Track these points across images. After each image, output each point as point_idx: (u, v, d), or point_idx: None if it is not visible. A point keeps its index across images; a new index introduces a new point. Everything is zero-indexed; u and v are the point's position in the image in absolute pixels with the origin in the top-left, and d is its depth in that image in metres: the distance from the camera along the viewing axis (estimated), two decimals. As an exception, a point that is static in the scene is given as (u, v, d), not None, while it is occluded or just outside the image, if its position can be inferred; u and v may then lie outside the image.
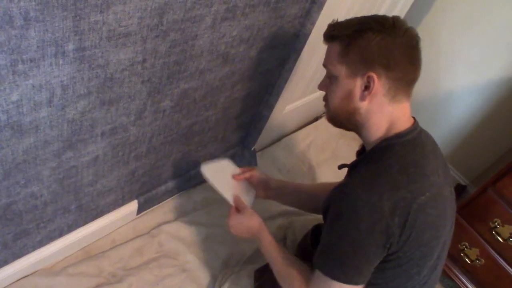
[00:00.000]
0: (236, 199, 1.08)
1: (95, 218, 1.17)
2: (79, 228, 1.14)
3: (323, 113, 1.97)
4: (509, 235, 1.29)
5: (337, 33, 0.81)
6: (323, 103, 0.90)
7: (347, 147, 1.94)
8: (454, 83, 1.81)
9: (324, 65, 0.85)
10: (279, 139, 1.84)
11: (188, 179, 1.40)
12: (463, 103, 1.80)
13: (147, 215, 1.35)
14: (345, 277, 0.76)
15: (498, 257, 1.35)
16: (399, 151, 0.78)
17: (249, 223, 1.02)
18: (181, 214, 1.39)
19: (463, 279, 1.49)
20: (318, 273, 0.80)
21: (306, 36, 1.20)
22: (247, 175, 1.16)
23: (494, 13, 1.61)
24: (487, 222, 1.34)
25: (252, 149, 1.63)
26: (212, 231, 1.37)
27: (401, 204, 0.73)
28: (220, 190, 1.10)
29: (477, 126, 1.79)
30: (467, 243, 1.43)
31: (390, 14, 1.66)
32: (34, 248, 1.05)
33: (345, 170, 0.93)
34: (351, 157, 0.93)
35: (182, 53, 0.88)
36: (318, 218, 1.25)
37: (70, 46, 0.65)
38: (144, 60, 0.81)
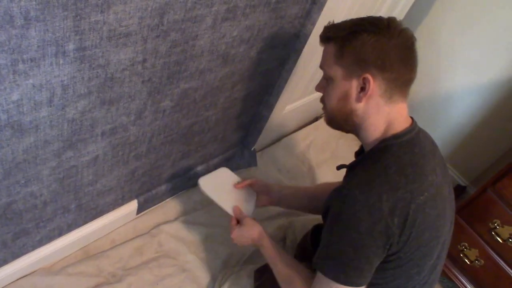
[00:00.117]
0: (236, 210, 1.09)
1: (95, 217, 1.17)
2: (79, 228, 1.14)
3: (323, 114, 1.97)
4: (508, 236, 1.29)
5: (332, 34, 0.81)
6: (321, 104, 0.90)
7: (347, 147, 1.94)
8: (454, 83, 1.82)
9: (321, 66, 0.85)
10: (279, 139, 1.84)
11: (188, 179, 1.40)
12: (463, 104, 1.80)
13: (147, 215, 1.35)
14: (346, 278, 0.76)
15: (498, 257, 1.35)
16: (397, 152, 0.79)
17: (249, 233, 1.03)
18: (181, 214, 1.39)
19: (462, 280, 1.49)
20: (319, 275, 0.80)
21: (306, 36, 1.20)
22: (248, 182, 1.17)
23: (494, 13, 1.61)
24: (487, 223, 1.34)
25: (252, 149, 1.63)
26: (212, 231, 1.37)
27: (400, 204, 0.73)
28: (219, 202, 1.12)
29: (477, 127, 1.79)
30: (466, 244, 1.43)
31: (391, 14, 1.66)
32: (34, 247, 1.05)
33: (345, 170, 0.93)
34: (351, 157, 0.93)
35: (182, 53, 0.88)
36: (318, 218, 1.25)
37: (71, 46, 0.65)
38: (145, 60, 0.81)
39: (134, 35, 0.73)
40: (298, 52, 1.24)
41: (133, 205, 1.26)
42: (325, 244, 0.80)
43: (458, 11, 1.71)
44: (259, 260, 1.27)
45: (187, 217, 1.39)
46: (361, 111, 0.81)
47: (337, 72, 0.81)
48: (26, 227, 0.95)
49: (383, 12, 1.58)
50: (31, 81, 0.65)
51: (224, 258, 1.30)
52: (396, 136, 0.80)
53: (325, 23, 0.86)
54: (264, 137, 1.61)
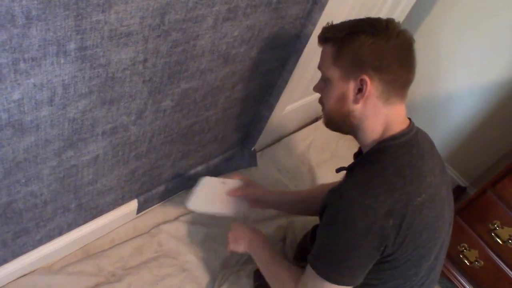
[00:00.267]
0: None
1: (95, 217, 1.17)
2: (79, 227, 1.14)
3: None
4: (508, 237, 1.29)
5: (330, 35, 0.81)
6: (320, 106, 0.90)
7: (346, 148, 1.94)
8: (454, 84, 1.82)
9: (319, 67, 0.86)
10: (279, 139, 1.84)
11: (188, 179, 1.40)
12: (463, 104, 1.80)
13: (146, 215, 1.35)
14: (338, 277, 0.76)
15: (497, 259, 1.35)
16: (394, 153, 0.79)
17: (240, 235, 1.09)
18: (181, 214, 1.39)
19: (462, 281, 1.49)
20: (310, 271, 0.80)
21: (307, 37, 1.20)
22: (240, 192, 1.19)
23: (495, 14, 1.61)
24: (487, 224, 1.34)
25: (252, 149, 1.63)
26: (212, 231, 1.37)
27: (396, 206, 0.73)
28: (218, 211, 1.17)
29: (477, 127, 1.79)
30: (466, 245, 1.43)
31: (392, 15, 1.66)
32: (34, 246, 1.05)
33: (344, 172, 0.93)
34: (350, 158, 0.93)
35: (183, 53, 0.88)
36: (317, 218, 1.25)
37: (72, 45, 0.65)
38: (146, 60, 0.81)
39: (135, 34, 0.73)
40: (298, 52, 1.24)
41: (133, 204, 1.26)
42: (320, 243, 0.80)
43: (458, 11, 1.71)
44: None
45: (187, 217, 1.39)
46: (358, 113, 0.81)
47: (334, 73, 0.81)
48: (26, 226, 0.95)
49: (384, 12, 1.58)
50: (32, 80, 0.65)
51: (224, 258, 1.30)
52: (394, 138, 0.80)
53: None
54: (264, 137, 1.61)
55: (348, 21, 0.82)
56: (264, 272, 1.00)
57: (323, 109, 0.88)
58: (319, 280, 0.78)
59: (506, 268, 1.34)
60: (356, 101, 0.80)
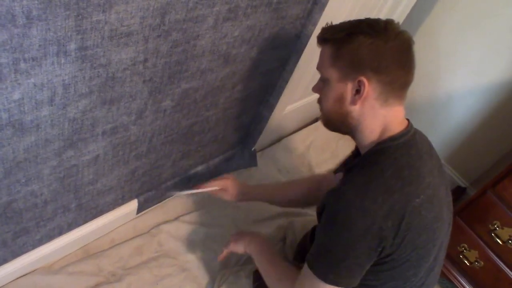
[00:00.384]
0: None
1: (95, 217, 1.17)
2: (79, 227, 1.14)
3: (323, 114, 1.97)
4: (508, 237, 1.29)
5: (328, 36, 0.81)
6: (318, 106, 0.90)
7: (347, 148, 1.94)
8: (454, 84, 1.82)
9: (318, 68, 0.85)
10: (279, 139, 1.84)
11: (188, 179, 1.40)
12: (463, 105, 1.80)
13: (147, 215, 1.35)
14: (335, 278, 0.76)
15: (497, 259, 1.35)
16: (393, 154, 0.78)
17: (241, 236, 1.11)
18: (181, 214, 1.39)
19: (462, 281, 1.49)
20: (308, 271, 0.80)
21: (307, 37, 1.20)
22: (213, 190, 1.18)
23: (496, 14, 1.61)
24: (487, 224, 1.34)
25: (252, 149, 1.63)
26: (212, 231, 1.37)
27: (395, 207, 0.73)
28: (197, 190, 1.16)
29: (477, 128, 1.79)
30: (466, 245, 1.43)
31: (392, 15, 1.66)
32: (34, 246, 1.05)
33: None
34: (351, 159, 0.93)
35: (183, 53, 0.88)
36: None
37: (72, 45, 0.65)
38: (146, 60, 0.81)
39: (135, 34, 0.73)
40: (299, 52, 1.24)
41: (133, 204, 1.26)
42: (318, 243, 0.80)
43: (459, 11, 1.71)
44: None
45: (187, 217, 1.39)
46: (356, 114, 0.81)
47: (333, 74, 0.81)
48: (26, 226, 0.95)
49: (384, 12, 1.58)
50: (32, 80, 0.65)
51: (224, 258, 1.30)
52: (392, 139, 0.80)
53: (327, 24, 0.86)
54: (264, 138, 1.61)
55: (347, 21, 0.81)
56: (263, 272, 1.00)
57: (321, 110, 0.88)
58: (316, 281, 0.78)
59: (506, 268, 1.34)
60: (353, 102, 0.79)
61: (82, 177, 0.96)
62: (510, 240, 1.29)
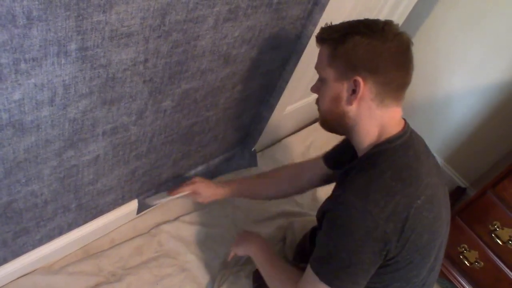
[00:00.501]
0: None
1: (95, 217, 1.17)
2: (79, 227, 1.14)
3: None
4: (508, 238, 1.29)
5: (326, 36, 0.81)
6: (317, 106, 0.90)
7: (347, 148, 1.94)
8: (454, 85, 1.82)
9: (316, 68, 0.86)
10: (279, 140, 1.84)
11: (188, 179, 1.40)
12: (463, 105, 1.80)
13: (147, 215, 1.35)
14: (340, 283, 0.76)
15: (497, 259, 1.35)
16: (391, 156, 0.78)
17: (242, 238, 1.12)
18: (181, 214, 1.39)
19: (462, 282, 1.49)
20: (312, 275, 0.79)
21: (308, 37, 1.20)
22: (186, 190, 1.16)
23: (496, 14, 1.61)
24: (487, 225, 1.34)
25: (253, 149, 1.63)
26: (212, 231, 1.37)
27: (397, 209, 0.73)
28: (169, 198, 1.17)
29: (478, 128, 1.79)
30: (466, 246, 1.43)
31: (392, 15, 1.66)
32: (34, 246, 1.05)
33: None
34: (351, 159, 0.92)
35: (184, 54, 0.88)
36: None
37: (73, 46, 0.65)
38: (146, 60, 0.81)
39: (136, 35, 0.73)
40: (299, 53, 1.24)
41: (133, 204, 1.26)
42: (321, 248, 0.80)
43: (459, 12, 1.71)
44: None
45: (187, 217, 1.39)
46: (353, 114, 0.80)
47: (330, 73, 0.81)
48: (26, 226, 0.95)
49: (384, 13, 1.58)
50: (32, 80, 0.65)
51: (224, 258, 1.30)
52: (390, 141, 0.80)
53: (327, 24, 0.86)
54: (264, 138, 1.61)
55: (346, 22, 0.81)
56: (264, 274, 1.00)
57: (318, 110, 0.88)
58: (321, 285, 0.77)
59: (506, 269, 1.34)
60: (349, 102, 0.79)
61: (82, 177, 0.96)
62: (510, 240, 1.29)
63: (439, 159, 1.97)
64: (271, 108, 1.42)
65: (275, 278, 0.97)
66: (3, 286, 1.05)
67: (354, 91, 0.78)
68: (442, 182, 0.86)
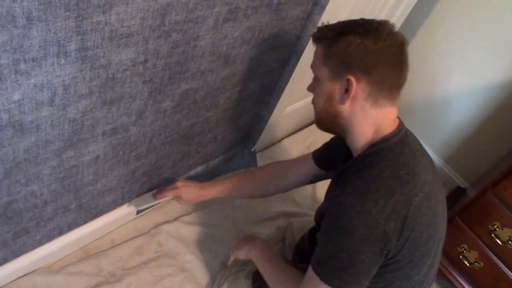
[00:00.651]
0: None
1: (95, 217, 1.17)
2: (79, 227, 1.14)
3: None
4: (508, 238, 1.29)
5: (321, 35, 0.82)
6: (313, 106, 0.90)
7: (347, 148, 1.94)
8: (454, 85, 1.82)
9: (311, 67, 0.86)
10: (279, 140, 1.84)
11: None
12: (463, 105, 1.80)
13: (146, 215, 1.35)
14: (341, 284, 0.76)
15: (497, 260, 1.35)
16: (387, 155, 0.78)
17: (243, 242, 1.12)
18: (181, 214, 1.39)
19: (461, 282, 1.49)
20: (313, 276, 0.79)
21: (308, 38, 1.20)
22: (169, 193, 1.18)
23: (496, 15, 1.61)
24: (486, 225, 1.34)
25: (252, 149, 1.63)
26: (212, 231, 1.37)
27: (397, 208, 0.73)
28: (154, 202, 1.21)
29: (477, 129, 1.79)
30: (466, 246, 1.43)
31: (392, 16, 1.66)
32: (34, 246, 1.05)
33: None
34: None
35: (183, 54, 0.88)
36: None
37: (72, 46, 0.65)
38: (146, 61, 0.81)
39: (135, 35, 0.73)
40: (299, 53, 1.25)
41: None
42: (322, 249, 0.80)
43: (459, 12, 1.71)
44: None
45: (187, 217, 1.39)
46: (346, 114, 0.81)
47: (324, 73, 0.81)
48: (26, 226, 0.95)
49: (384, 13, 1.58)
50: (32, 81, 0.65)
51: (223, 258, 1.30)
52: (385, 140, 0.80)
53: (327, 25, 0.86)
54: (264, 138, 1.61)
55: (342, 21, 0.82)
56: (266, 276, 1.00)
57: (314, 109, 0.89)
58: (322, 286, 0.77)
59: (506, 269, 1.34)
60: (342, 101, 0.79)
61: (82, 178, 0.96)
62: (510, 240, 1.29)
63: (439, 160, 1.97)
64: (270, 108, 1.42)
65: (275, 278, 0.97)
66: (3, 286, 1.05)
67: (347, 91, 0.78)
68: (438, 179, 0.87)
